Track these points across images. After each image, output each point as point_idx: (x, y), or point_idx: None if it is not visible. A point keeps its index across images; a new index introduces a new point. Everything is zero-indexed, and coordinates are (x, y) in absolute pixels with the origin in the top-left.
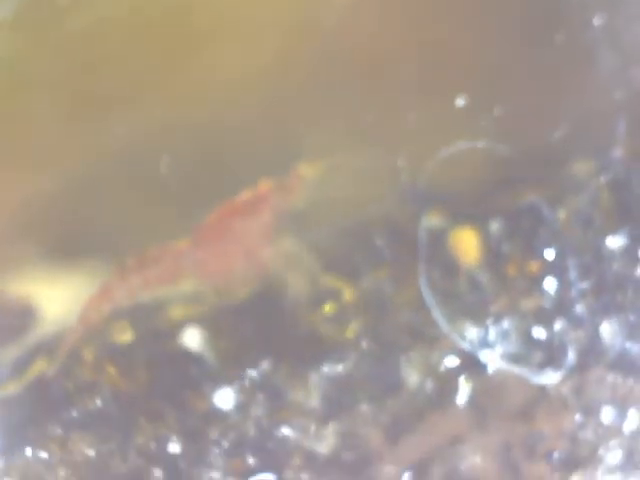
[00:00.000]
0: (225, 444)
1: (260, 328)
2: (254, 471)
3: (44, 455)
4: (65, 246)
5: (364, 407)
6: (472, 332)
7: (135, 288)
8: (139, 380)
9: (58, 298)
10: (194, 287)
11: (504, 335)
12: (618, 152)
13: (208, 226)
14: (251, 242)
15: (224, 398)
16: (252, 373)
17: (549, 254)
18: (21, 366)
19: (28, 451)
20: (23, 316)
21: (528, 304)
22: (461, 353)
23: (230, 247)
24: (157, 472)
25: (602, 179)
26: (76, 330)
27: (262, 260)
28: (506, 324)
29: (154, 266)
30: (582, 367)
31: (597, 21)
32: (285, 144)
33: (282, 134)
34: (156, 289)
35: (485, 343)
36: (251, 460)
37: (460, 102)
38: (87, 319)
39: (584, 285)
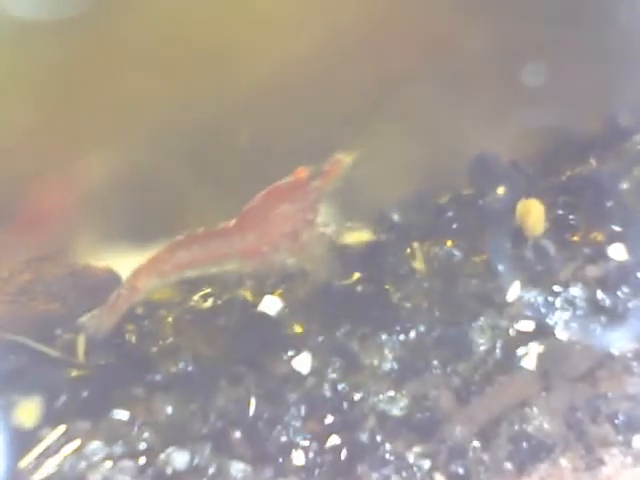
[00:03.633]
0: (302, 406)
1: (336, 296)
2: (330, 432)
3: (128, 417)
4: (139, 226)
5: (436, 371)
6: (539, 299)
7: (183, 264)
8: (220, 345)
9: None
10: (238, 268)
11: (570, 301)
12: None
13: (251, 209)
14: (293, 224)
15: (302, 362)
16: (329, 339)
17: (613, 224)
18: None
19: (114, 413)
20: (107, 283)
21: (593, 272)
22: (528, 319)
23: (273, 229)
24: (237, 433)
25: None
26: (122, 295)
27: (303, 241)
28: (572, 291)
29: (201, 245)
30: None
31: None
32: (324, 135)
33: (323, 125)
34: (202, 267)
35: (551, 309)
36: (327, 422)
37: (526, 81)
38: (133, 287)
39: None
